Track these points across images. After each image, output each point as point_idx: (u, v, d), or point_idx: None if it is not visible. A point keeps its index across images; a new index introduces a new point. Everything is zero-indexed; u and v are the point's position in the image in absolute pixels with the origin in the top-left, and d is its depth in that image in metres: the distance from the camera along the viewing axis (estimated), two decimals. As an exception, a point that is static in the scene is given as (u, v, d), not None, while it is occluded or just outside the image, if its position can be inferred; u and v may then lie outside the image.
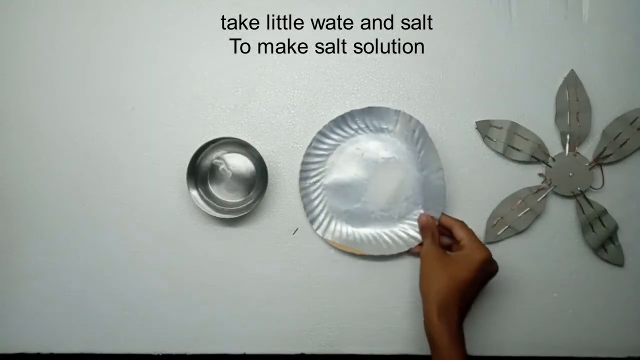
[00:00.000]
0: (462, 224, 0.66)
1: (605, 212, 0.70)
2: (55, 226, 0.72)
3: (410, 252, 0.70)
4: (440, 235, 0.68)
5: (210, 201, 0.70)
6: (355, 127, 0.71)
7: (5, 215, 0.72)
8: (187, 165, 0.68)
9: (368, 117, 0.70)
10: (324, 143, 0.71)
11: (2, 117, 0.73)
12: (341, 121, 0.71)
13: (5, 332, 0.71)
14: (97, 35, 0.73)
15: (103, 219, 0.72)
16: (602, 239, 0.70)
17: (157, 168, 0.72)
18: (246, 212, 0.69)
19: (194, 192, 0.69)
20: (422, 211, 0.70)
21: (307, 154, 0.71)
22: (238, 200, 0.71)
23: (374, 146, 0.71)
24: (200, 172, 0.70)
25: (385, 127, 0.71)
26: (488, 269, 0.63)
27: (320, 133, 0.71)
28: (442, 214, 0.68)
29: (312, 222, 0.71)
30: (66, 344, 0.71)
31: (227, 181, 0.71)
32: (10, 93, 0.73)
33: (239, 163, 0.71)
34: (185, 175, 0.68)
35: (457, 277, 0.61)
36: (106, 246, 0.72)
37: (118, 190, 0.72)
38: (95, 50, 0.73)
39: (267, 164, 0.68)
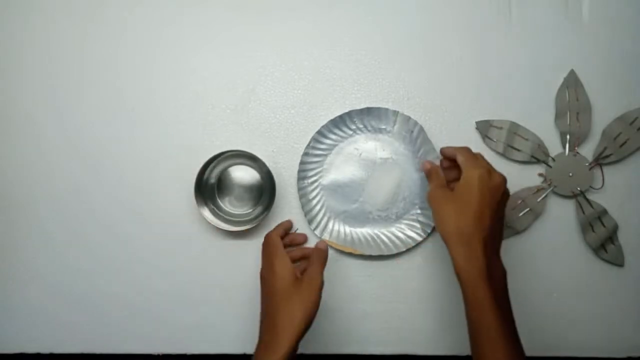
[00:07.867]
0: (464, 149, 0.62)
1: (605, 212, 0.70)
2: (54, 226, 0.72)
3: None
4: (449, 169, 0.64)
5: (220, 213, 0.70)
6: (353, 127, 0.71)
7: (6, 216, 0.72)
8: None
9: (366, 117, 0.70)
10: (322, 143, 0.71)
11: (2, 118, 0.73)
12: (339, 121, 0.71)
13: (5, 332, 0.71)
14: (96, 36, 0.73)
15: (102, 219, 0.72)
16: (602, 239, 0.70)
17: (158, 168, 0.72)
18: (256, 224, 0.68)
19: (206, 211, 0.68)
20: (419, 211, 0.70)
21: (305, 154, 0.71)
22: (246, 210, 0.71)
23: (371, 146, 0.71)
24: (207, 186, 0.70)
25: (383, 127, 0.71)
26: (490, 184, 0.58)
27: (319, 133, 0.71)
28: (444, 148, 0.64)
29: (310, 222, 0.70)
30: (66, 344, 0.71)
31: (235, 193, 0.71)
32: (10, 94, 0.73)
33: (245, 174, 0.71)
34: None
35: (464, 208, 0.57)
36: (106, 246, 0.72)
37: (118, 190, 0.72)
38: (95, 51, 0.73)
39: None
